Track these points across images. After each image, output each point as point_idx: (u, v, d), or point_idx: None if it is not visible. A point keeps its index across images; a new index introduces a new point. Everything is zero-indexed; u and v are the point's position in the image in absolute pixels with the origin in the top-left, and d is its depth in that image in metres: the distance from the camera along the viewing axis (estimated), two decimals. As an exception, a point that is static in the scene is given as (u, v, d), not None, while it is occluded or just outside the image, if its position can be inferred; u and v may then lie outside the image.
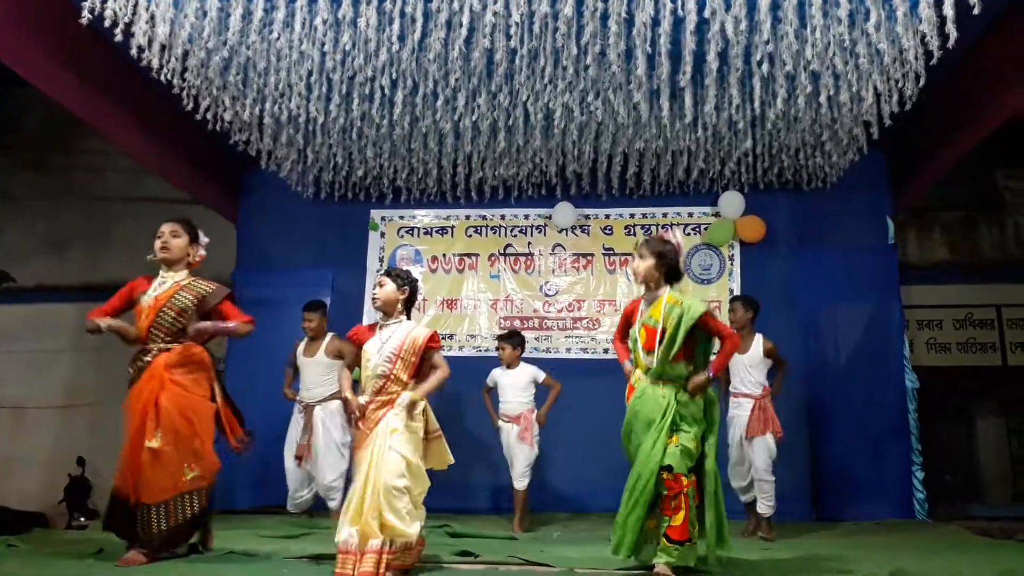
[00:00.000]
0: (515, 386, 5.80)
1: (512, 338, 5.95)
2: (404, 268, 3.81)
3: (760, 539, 5.17)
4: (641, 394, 3.63)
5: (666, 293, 3.67)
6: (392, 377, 3.54)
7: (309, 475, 5.85)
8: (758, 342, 5.34)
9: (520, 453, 5.70)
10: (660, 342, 3.56)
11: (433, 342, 3.63)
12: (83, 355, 8.83)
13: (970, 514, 7.06)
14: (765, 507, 5.22)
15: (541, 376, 5.89)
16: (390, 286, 3.66)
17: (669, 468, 3.44)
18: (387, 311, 3.68)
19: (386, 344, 3.58)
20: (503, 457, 5.87)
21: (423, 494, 3.56)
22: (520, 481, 5.70)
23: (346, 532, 3.37)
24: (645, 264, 3.69)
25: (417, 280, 3.85)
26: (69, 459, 8.14)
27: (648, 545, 3.56)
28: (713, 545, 3.52)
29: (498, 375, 5.91)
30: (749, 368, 5.32)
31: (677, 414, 3.53)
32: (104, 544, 4.24)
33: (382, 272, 3.79)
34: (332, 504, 5.71)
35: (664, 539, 3.45)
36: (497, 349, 5.98)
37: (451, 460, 3.71)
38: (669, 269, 3.70)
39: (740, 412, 5.31)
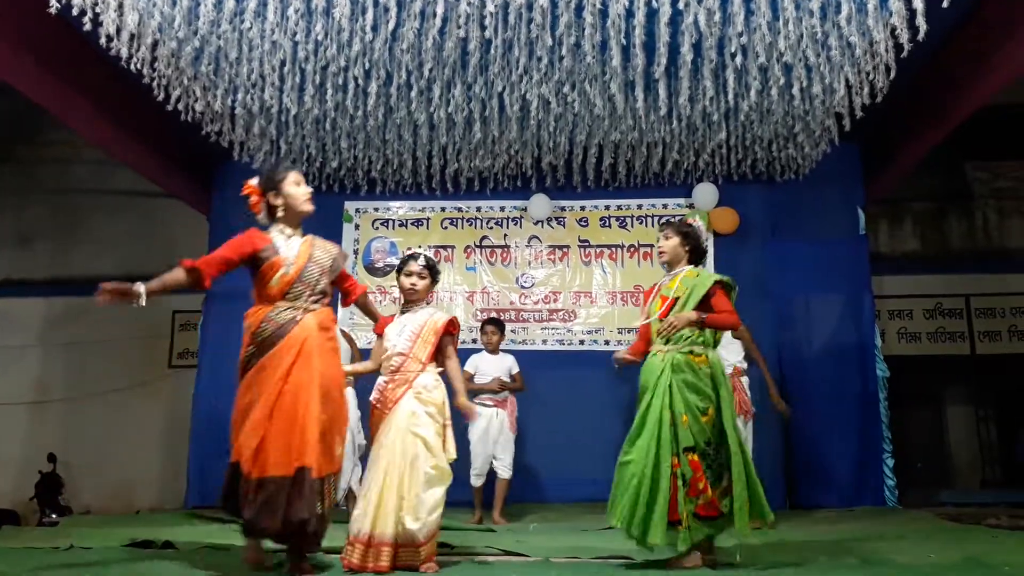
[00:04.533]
0: (499, 371, 5.82)
1: (500, 323, 6.07)
2: (429, 257, 3.79)
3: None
4: (648, 363, 3.67)
5: (686, 269, 3.74)
6: (411, 356, 3.60)
7: None
8: None
9: (507, 441, 5.71)
10: (671, 309, 3.64)
11: (452, 327, 3.74)
12: (52, 350, 8.72)
13: (940, 500, 7.19)
14: None
15: (516, 369, 5.91)
16: (428, 280, 3.77)
17: (691, 449, 3.43)
18: (416, 300, 3.75)
19: (407, 326, 3.67)
20: (469, 448, 5.64)
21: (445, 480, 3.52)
22: (508, 470, 5.71)
23: (367, 522, 3.33)
24: (671, 243, 3.81)
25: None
26: (40, 455, 8.02)
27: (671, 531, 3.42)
28: (744, 526, 3.41)
29: (480, 360, 5.90)
30: (720, 348, 5.35)
31: (681, 383, 3.50)
32: (75, 540, 4.18)
33: (422, 263, 3.77)
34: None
35: (693, 519, 3.41)
36: (483, 333, 5.99)
37: (454, 455, 3.67)
38: (694, 249, 3.82)
39: None
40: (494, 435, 5.73)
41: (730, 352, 5.37)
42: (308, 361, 3.22)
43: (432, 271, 3.79)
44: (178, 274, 3.30)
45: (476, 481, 5.73)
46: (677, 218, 7.11)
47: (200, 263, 3.30)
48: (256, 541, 3.30)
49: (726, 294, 3.69)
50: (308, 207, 3.56)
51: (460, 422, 6.48)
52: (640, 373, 3.68)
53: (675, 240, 3.80)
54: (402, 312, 3.78)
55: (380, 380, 3.64)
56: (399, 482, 3.37)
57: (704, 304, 3.63)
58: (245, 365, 3.30)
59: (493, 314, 7.05)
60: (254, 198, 3.49)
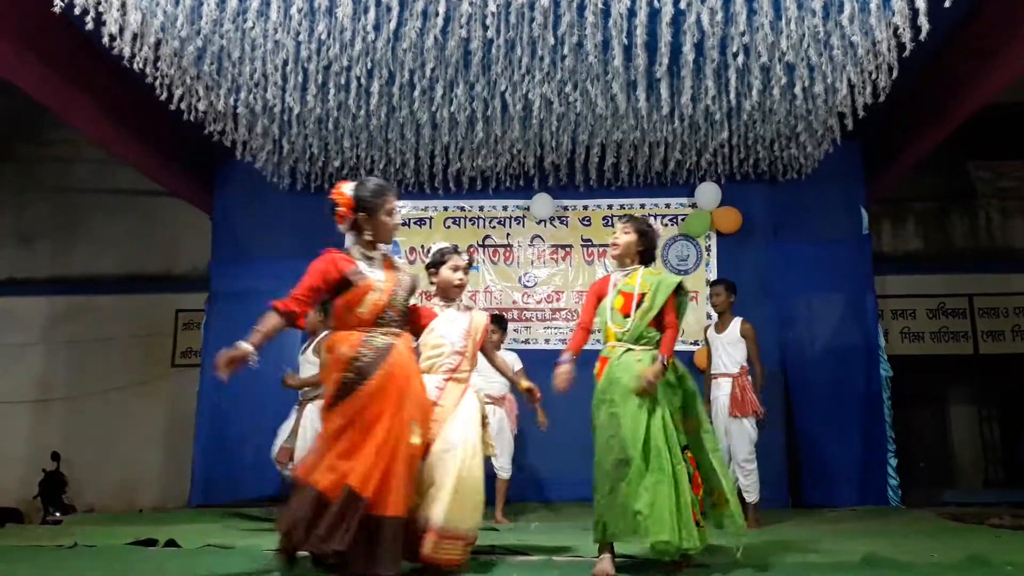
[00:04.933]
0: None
1: (502, 321, 5.90)
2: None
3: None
4: (619, 360, 3.52)
5: (642, 268, 3.67)
6: (466, 355, 3.59)
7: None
8: (736, 323, 5.41)
9: (506, 441, 5.59)
10: (638, 305, 3.54)
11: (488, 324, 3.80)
12: (54, 349, 8.74)
13: (942, 500, 7.18)
14: (751, 495, 5.19)
15: (519, 366, 5.79)
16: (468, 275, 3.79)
17: (686, 447, 3.43)
18: (456, 297, 3.74)
19: (456, 323, 3.62)
20: None
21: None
22: (506, 471, 5.63)
23: (441, 514, 3.17)
24: (628, 239, 3.67)
25: None
26: (43, 454, 8.05)
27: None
28: (740, 519, 3.42)
29: (481, 359, 5.86)
30: (727, 346, 5.38)
31: (664, 382, 3.45)
32: (79, 538, 4.19)
33: (465, 259, 3.76)
34: None
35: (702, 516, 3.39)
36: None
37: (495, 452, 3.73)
38: (647, 249, 3.69)
39: (720, 392, 5.34)
40: (492, 434, 5.69)
41: (737, 350, 5.36)
42: (417, 394, 3.15)
43: (469, 265, 3.83)
44: (272, 319, 3.07)
45: None
46: (667, 218, 7.18)
47: (292, 303, 3.07)
48: None
49: (676, 304, 3.60)
50: (392, 238, 3.38)
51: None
52: (609, 370, 3.52)
53: (632, 238, 3.65)
54: (443, 307, 3.67)
55: (437, 379, 3.50)
56: (476, 477, 3.35)
57: (664, 306, 3.55)
58: (341, 391, 3.05)
59: (496, 313, 7.05)
60: (343, 210, 3.19)
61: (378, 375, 3.03)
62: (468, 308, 3.76)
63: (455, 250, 3.76)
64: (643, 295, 3.54)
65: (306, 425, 5.48)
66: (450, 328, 3.59)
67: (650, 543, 3.25)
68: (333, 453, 2.97)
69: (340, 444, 2.98)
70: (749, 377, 5.32)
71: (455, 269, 3.69)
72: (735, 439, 5.25)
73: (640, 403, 3.39)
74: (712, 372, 5.46)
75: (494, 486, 5.74)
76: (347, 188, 3.19)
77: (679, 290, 3.59)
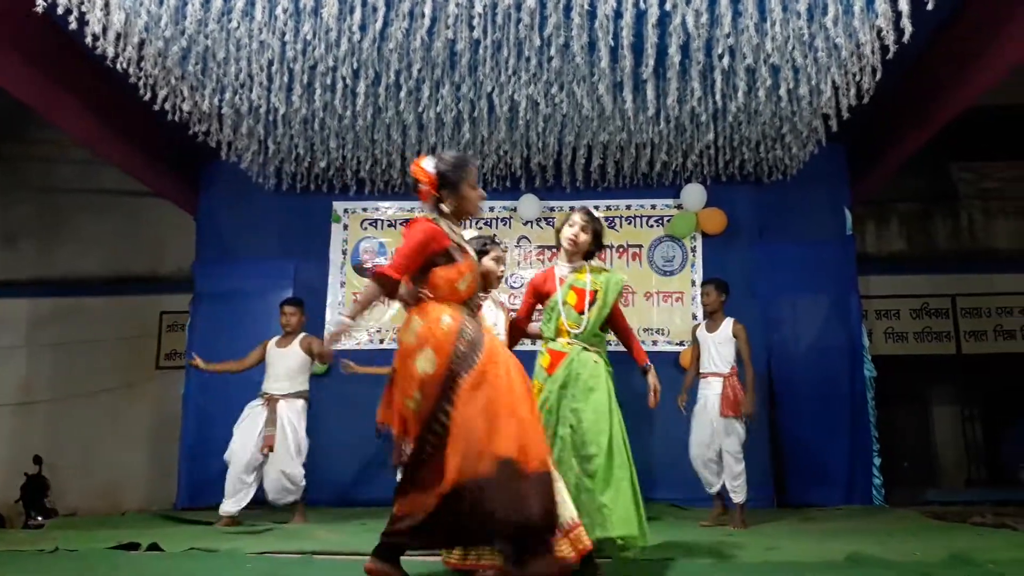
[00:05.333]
0: None
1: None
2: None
3: (723, 527, 5.18)
4: (576, 356, 3.51)
5: (587, 264, 3.69)
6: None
7: (255, 473, 5.46)
8: (727, 323, 5.41)
9: None
10: (591, 304, 3.55)
11: None
12: (38, 351, 8.66)
13: (926, 499, 7.24)
14: (739, 495, 5.20)
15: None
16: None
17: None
18: (495, 288, 3.85)
19: (496, 315, 3.76)
20: None
21: None
22: None
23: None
24: (587, 237, 3.70)
25: None
26: (26, 457, 7.97)
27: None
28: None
29: None
30: (718, 346, 5.37)
31: (609, 377, 3.50)
32: (60, 542, 4.15)
33: (504, 247, 3.80)
34: (290, 498, 5.48)
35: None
36: None
37: None
38: (595, 250, 3.76)
39: (710, 392, 5.34)
40: None
41: (728, 350, 5.36)
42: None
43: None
44: (372, 289, 2.87)
45: None
46: (652, 220, 7.20)
47: (390, 271, 2.85)
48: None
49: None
50: (478, 211, 3.22)
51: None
52: (570, 365, 3.49)
53: (589, 237, 3.69)
54: (483, 298, 3.63)
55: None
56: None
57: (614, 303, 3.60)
58: (456, 362, 2.78)
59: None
60: (426, 187, 3.02)
61: (487, 349, 2.86)
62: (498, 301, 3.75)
63: (494, 240, 3.71)
64: (595, 292, 3.57)
65: (284, 424, 5.47)
66: (494, 319, 3.61)
67: (616, 536, 3.21)
68: (509, 433, 2.69)
69: (504, 423, 2.70)
70: (738, 377, 5.33)
71: (497, 260, 3.66)
72: (725, 439, 5.24)
73: (603, 400, 3.41)
74: (701, 371, 5.45)
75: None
76: (427, 163, 3.03)
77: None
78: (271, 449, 5.42)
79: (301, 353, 5.61)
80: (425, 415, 2.75)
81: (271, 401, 5.55)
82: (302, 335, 5.70)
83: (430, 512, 2.67)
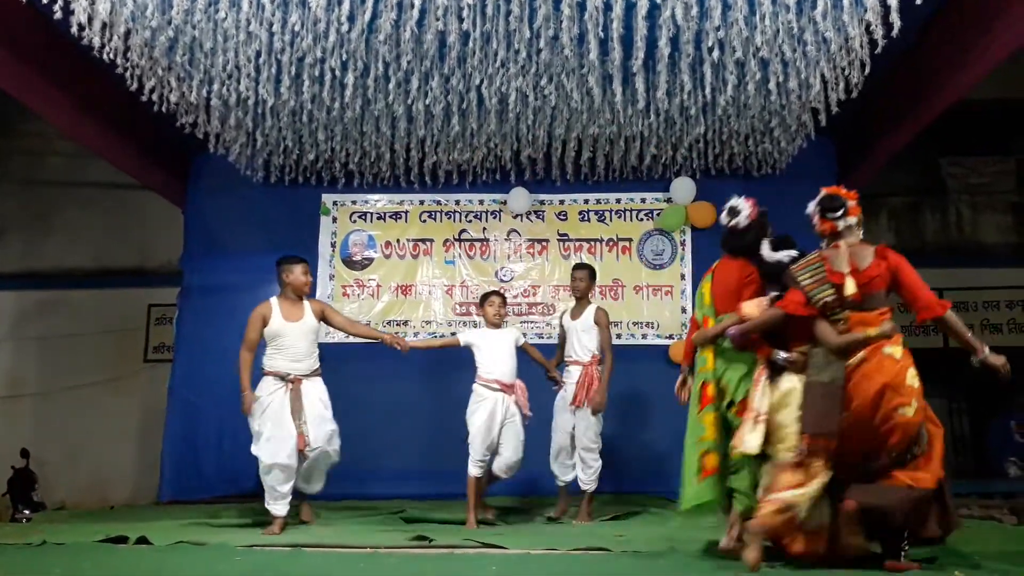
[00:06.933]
0: (507, 347, 5.08)
1: (502, 294, 5.42)
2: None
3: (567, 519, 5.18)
4: None
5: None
6: None
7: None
8: (591, 310, 5.35)
9: (519, 433, 5.03)
10: None
11: None
12: (25, 344, 8.62)
13: (912, 491, 7.26)
14: (589, 485, 5.18)
15: (522, 339, 5.30)
16: None
17: None
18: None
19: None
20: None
21: None
22: (514, 471, 5.10)
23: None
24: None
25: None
26: (12, 451, 7.92)
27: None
28: None
29: (483, 336, 5.18)
30: (580, 334, 5.33)
31: None
32: (47, 536, 4.13)
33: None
34: (316, 488, 5.01)
35: None
36: (484, 306, 5.25)
37: None
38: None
39: (569, 379, 5.31)
40: (496, 423, 4.97)
41: (590, 338, 5.29)
42: None
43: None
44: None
45: (476, 471, 4.92)
46: (642, 213, 7.20)
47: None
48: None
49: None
50: None
51: (423, 419, 6.58)
52: None
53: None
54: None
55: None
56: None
57: None
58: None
59: (472, 308, 7.04)
60: (855, 206, 3.58)
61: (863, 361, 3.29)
62: None
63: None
64: None
65: (314, 405, 4.78)
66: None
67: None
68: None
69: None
70: (599, 367, 5.27)
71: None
72: (580, 427, 5.21)
73: None
74: (565, 359, 5.41)
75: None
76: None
77: None
78: (302, 452, 4.69)
79: (315, 321, 4.95)
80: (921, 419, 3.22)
81: (295, 384, 4.78)
82: (308, 301, 5.05)
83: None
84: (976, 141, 8.40)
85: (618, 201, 7.31)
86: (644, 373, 6.71)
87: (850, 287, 3.30)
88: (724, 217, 4.10)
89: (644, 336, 7.01)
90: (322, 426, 4.78)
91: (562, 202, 7.34)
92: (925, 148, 7.72)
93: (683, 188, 7.03)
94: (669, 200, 7.18)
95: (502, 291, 5.81)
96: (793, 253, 3.79)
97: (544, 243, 7.32)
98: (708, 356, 3.80)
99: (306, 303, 4.98)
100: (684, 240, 7.20)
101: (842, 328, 3.32)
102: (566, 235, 7.30)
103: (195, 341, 6.92)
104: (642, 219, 7.25)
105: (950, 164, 8.68)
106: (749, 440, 3.35)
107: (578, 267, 5.65)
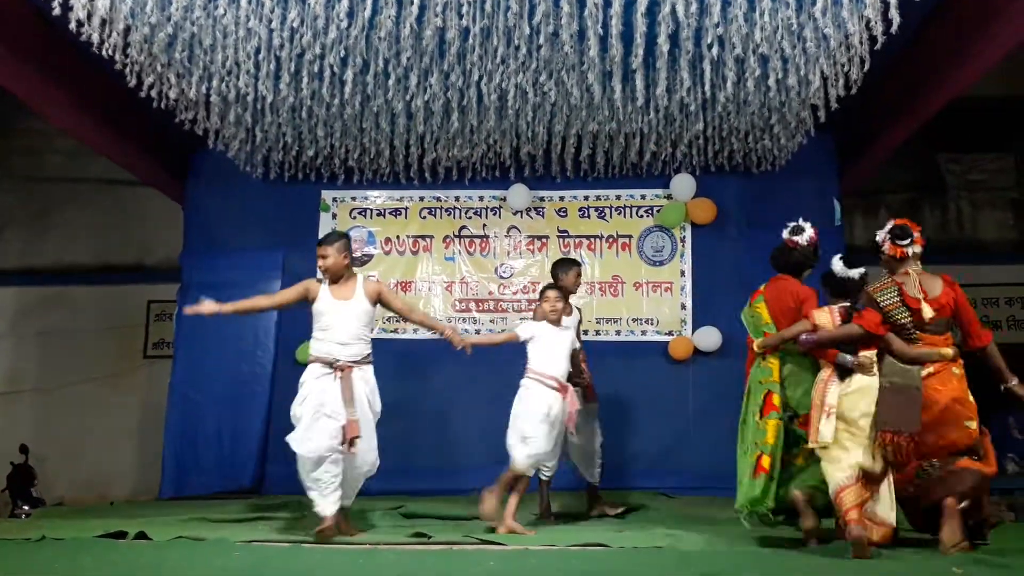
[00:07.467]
0: (565, 347, 4.70)
1: (562, 287, 5.01)
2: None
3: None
4: None
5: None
6: None
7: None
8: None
9: (560, 438, 4.66)
10: None
11: None
12: (25, 340, 8.62)
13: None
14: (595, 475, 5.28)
15: (577, 344, 4.95)
16: None
17: None
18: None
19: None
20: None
21: None
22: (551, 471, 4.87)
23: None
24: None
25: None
26: (12, 447, 7.92)
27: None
28: None
29: (543, 330, 4.73)
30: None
31: None
32: (47, 531, 4.14)
33: None
34: (347, 501, 4.35)
35: None
36: (541, 301, 4.84)
37: None
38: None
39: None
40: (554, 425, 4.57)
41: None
42: None
43: None
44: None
45: (527, 465, 4.54)
46: (642, 210, 7.19)
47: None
48: None
49: None
50: None
51: (422, 415, 6.55)
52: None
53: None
54: None
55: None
56: None
57: None
58: None
59: (472, 305, 7.05)
60: (918, 237, 4.16)
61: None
62: None
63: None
64: None
65: (362, 400, 4.31)
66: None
67: None
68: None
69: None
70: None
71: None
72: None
73: None
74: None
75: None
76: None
77: None
78: (351, 444, 4.15)
79: (368, 304, 4.43)
80: None
81: (345, 373, 4.26)
82: (361, 279, 4.53)
83: None
84: (975, 137, 8.39)
85: (618, 197, 7.31)
86: (643, 369, 6.73)
87: (928, 312, 3.72)
88: (786, 233, 4.44)
89: (644, 332, 7.02)
90: (364, 427, 4.27)
91: (562, 198, 7.34)
92: (924, 144, 7.72)
93: (683, 184, 7.03)
94: (669, 196, 7.18)
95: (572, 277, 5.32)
96: (863, 271, 4.25)
97: (544, 240, 7.32)
98: (774, 367, 4.09)
99: (360, 283, 4.44)
100: (684, 236, 7.20)
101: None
102: (566, 231, 7.31)
103: (195, 337, 6.92)
104: (642, 215, 7.25)
105: (949, 160, 8.67)
106: (824, 430, 3.64)
107: (560, 262, 5.40)
